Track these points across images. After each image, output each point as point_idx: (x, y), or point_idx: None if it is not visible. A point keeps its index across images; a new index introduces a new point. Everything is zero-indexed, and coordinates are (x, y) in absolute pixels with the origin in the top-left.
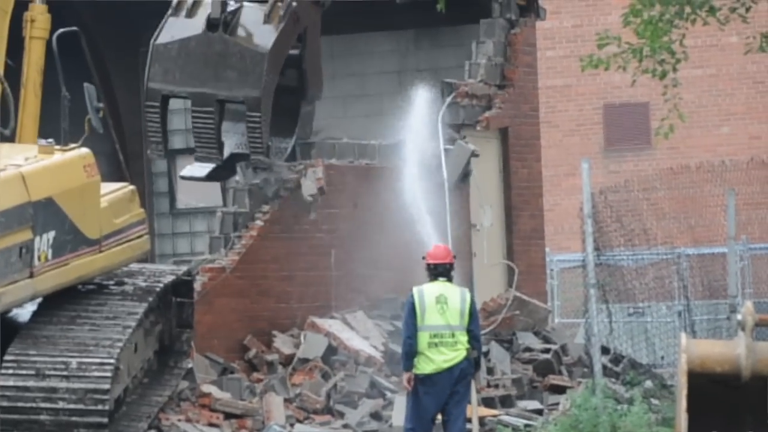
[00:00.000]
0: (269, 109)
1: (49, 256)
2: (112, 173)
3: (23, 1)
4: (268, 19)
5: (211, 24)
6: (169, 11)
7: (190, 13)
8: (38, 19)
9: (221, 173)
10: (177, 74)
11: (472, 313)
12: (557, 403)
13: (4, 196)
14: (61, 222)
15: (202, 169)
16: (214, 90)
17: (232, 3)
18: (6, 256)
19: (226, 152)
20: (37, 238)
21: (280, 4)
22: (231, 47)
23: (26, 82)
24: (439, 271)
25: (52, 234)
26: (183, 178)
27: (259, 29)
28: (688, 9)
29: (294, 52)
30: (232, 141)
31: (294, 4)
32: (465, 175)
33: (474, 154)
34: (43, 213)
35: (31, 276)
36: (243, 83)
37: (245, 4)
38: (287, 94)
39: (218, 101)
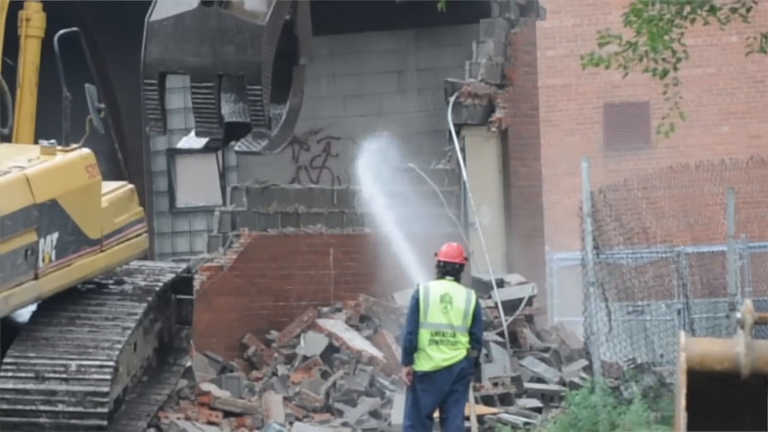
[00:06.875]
0: (269, 81)
1: (53, 258)
2: (111, 172)
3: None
4: None
5: None
6: None
7: None
8: (33, 18)
9: (218, 143)
10: (174, 51)
11: (476, 316)
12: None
13: (9, 199)
14: (64, 223)
15: (198, 141)
16: (212, 64)
17: None
18: (12, 259)
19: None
20: (42, 240)
21: None
22: (227, 20)
23: (22, 82)
24: (447, 269)
25: (55, 235)
26: (180, 149)
27: (253, 1)
28: (688, 8)
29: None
30: (226, 110)
31: None
32: None
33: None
34: (48, 214)
35: (36, 278)
36: (242, 56)
37: None
38: (278, 58)
39: (218, 75)
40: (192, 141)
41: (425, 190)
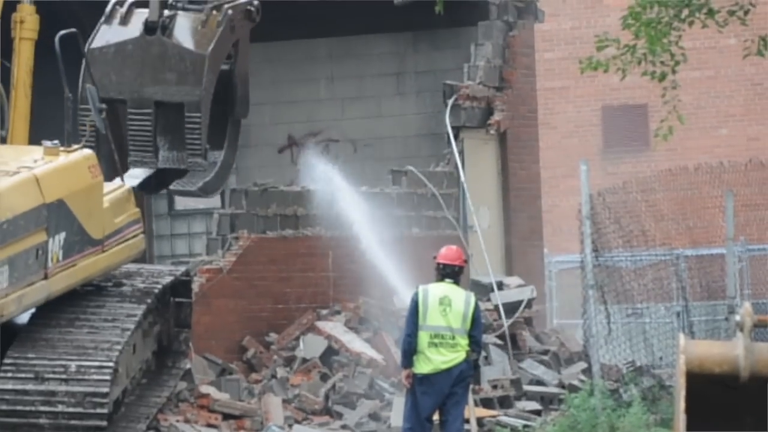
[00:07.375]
0: (208, 111)
1: (60, 258)
2: (109, 174)
3: (12, 1)
4: (204, 25)
5: (149, 27)
6: (102, 19)
7: (124, 21)
8: (27, 20)
9: (152, 186)
10: (113, 77)
11: (475, 318)
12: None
13: (21, 199)
14: (70, 223)
15: (133, 179)
16: (152, 92)
17: (166, 12)
18: (24, 258)
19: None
20: (51, 240)
21: (216, 12)
22: (170, 49)
23: (16, 84)
24: (446, 272)
25: (63, 235)
26: None
27: (196, 34)
28: (686, 11)
29: (224, 67)
30: (161, 157)
31: (230, 12)
32: None
33: None
34: (56, 214)
35: (46, 277)
36: (182, 84)
37: (180, 12)
38: (215, 104)
39: (156, 103)
40: (127, 180)
41: (424, 192)
